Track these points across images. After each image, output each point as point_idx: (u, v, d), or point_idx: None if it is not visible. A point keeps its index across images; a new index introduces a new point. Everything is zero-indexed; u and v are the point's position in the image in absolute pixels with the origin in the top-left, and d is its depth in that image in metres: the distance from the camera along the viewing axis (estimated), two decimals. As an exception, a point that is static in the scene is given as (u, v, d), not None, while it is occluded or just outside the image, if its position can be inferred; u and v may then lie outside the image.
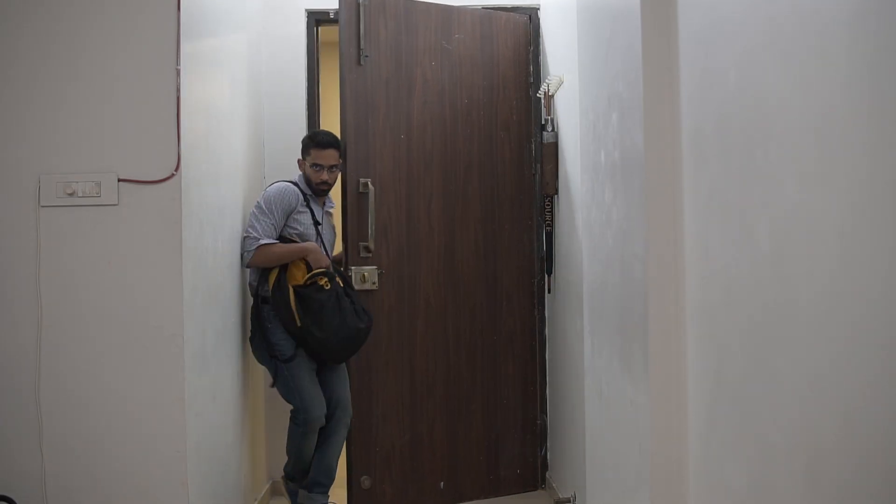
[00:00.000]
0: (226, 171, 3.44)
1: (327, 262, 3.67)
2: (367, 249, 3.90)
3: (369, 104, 3.96)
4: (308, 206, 3.71)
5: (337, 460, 3.74)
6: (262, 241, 3.57)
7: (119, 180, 2.73)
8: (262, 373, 4.05)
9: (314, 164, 3.69)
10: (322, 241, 3.73)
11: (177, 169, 2.74)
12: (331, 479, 3.73)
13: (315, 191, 3.73)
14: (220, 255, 3.32)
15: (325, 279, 3.58)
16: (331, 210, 3.88)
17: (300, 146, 3.90)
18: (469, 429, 4.15)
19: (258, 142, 4.19)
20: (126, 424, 2.73)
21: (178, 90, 2.74)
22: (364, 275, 3.91)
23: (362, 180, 3.89)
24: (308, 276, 3.57)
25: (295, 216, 3.68)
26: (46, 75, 2.73)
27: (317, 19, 4.33)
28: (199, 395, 2.93)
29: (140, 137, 2.74)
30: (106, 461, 2.72)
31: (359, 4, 3.95)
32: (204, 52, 3.09)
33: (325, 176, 3.70)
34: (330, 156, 3.70)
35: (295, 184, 3.73)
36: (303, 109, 4.31)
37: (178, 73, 2.75)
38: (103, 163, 2.74)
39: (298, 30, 4.31)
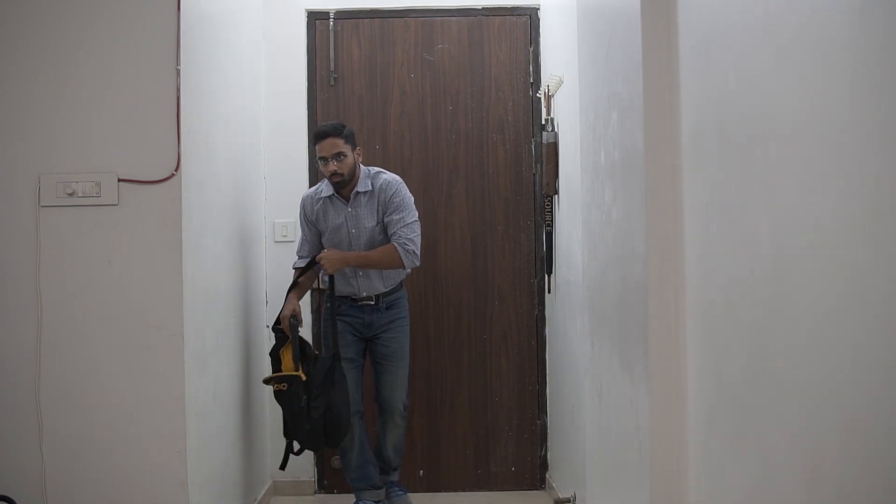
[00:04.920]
0: (226, 171, 3.44)
1: (286, 316, 3.63)
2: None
3: (341, 119, 4.21)
4: (336, 201, 3.71)
5: (393, 455, 3.85)
6: (294, 265, 3.81)
7: (119, 180, 2.73)
8: (262, 372, 4.06)
9: (320, 158, 3.65)
10: (352, 241, 3.70)
11: (177, 169, 2.74)
12: (386, 464, 3.86)
13: (334, 186, 3.69)
14: (220, 255, 3.32)
15: (282, 384, 3.54)
16: (364, 191, 3.70)
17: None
18: (453, 423, 4.32)
19: (258, 142, 4.19)
20: (126, 424, 2.73)
21: (178, 90, 2.74)
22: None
23: None
24: (268, 378, 3.60)
25: (320, 226, 3.74)
26: (46, 75, 2.73)
27: (317, 19, 4.35)
28: (199, 395, 2.93)
29: (140, 137, 2.74)
30: (106, 461, 2.73)
31: (329, 30, 4.25)
32: (204, 52, 3.09)
33: (332, 167, 3.61)
34: (329, 145, 3.61)
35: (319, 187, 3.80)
36: (303, 109, 4.31)
37: (178, 73, 2.75)
38: (103, 163, 2.74)
39: (298, 30, 4.31)
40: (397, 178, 3.75)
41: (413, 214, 3.69)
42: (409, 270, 3.80)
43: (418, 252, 3.67)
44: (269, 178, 4.25)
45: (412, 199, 3.73)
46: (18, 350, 2.70)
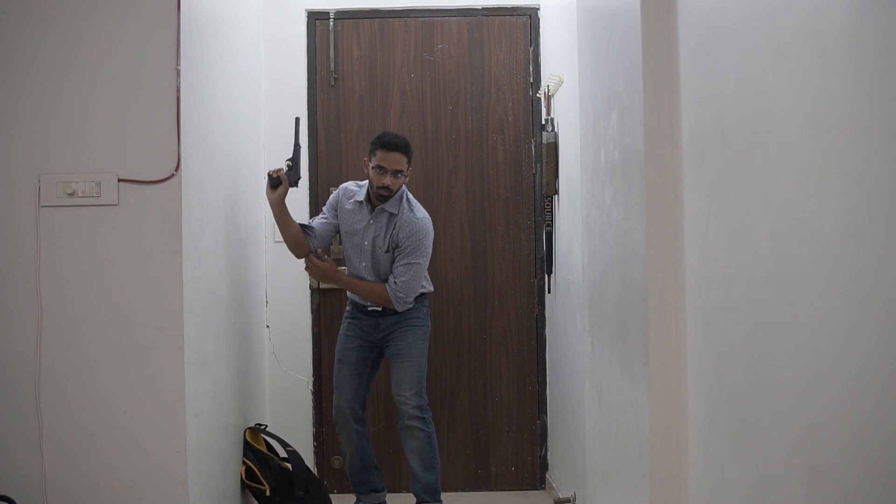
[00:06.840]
0: (226, 171, 3.44)
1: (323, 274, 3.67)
2: (329, 252, 4.19)
3: (342, 120, 4.29)
4: (364, 207, 3.63)
5: (421, 471, 3.62)
6: (303, 222, 3.71)
7: (119, 180, 2.73)
8: (262, 373, 4.05)
9: (377, 166, 3.51)
10: (362, 252, 3.63)
11: (177, 169, 2.74)
12: (421, 487, 3.64)
13: (374, 195, 3.58)
14: (220, 255, 3.32)
15: (254, 486, 3.56)
16: (390, 212, 3.60)
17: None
18: (453, 423, 4.32)
19: (258, 142, 4.19)
20: (126, 424, 2.73)
21: (178, 90, 2.74)
22: None
23: (332, 189, 3.96)
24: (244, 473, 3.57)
25: (341, 220, 3.67)
26: (46, 75, 2.73)
27: (317, 19, 4.35)
28: (199, 395, 2.93)
29: (140, 137, 2.74)
30: (106, 461, 2.72)
31: (330, 30, 4.28)
32: (204, 52, 3.09)
33: (387, 181, 3.50)
34: (396, 160, 3.52)
35: (359, 186, 3.73)
36: (303, 109, 4.31)
37: (178, 73, 2.74)
38: (103, 163, 2.73)
39: (298, 30, 4.31)
40: (421, 219, 3.63)
41: (420, 256, 3.59)
42: (430, 288, 3.75)
43: (410, 297, 3.59)
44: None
45: (430, 241, 3.64)
46: (18, 350, 2.70)
